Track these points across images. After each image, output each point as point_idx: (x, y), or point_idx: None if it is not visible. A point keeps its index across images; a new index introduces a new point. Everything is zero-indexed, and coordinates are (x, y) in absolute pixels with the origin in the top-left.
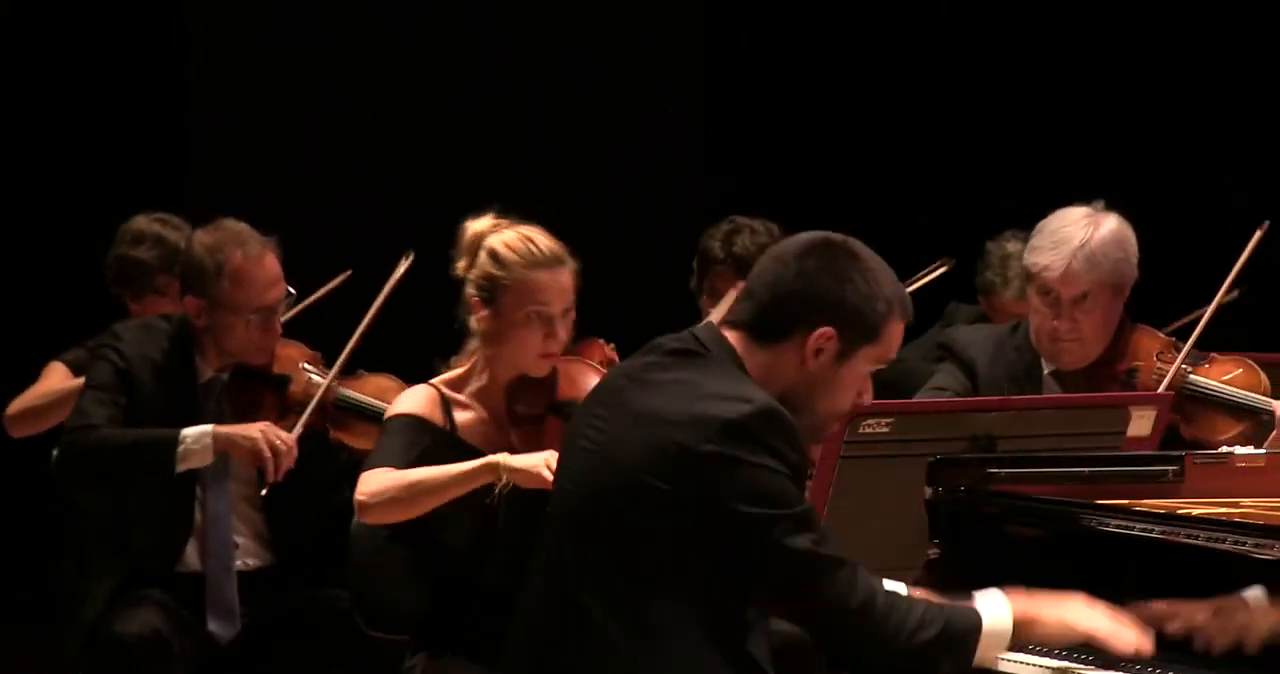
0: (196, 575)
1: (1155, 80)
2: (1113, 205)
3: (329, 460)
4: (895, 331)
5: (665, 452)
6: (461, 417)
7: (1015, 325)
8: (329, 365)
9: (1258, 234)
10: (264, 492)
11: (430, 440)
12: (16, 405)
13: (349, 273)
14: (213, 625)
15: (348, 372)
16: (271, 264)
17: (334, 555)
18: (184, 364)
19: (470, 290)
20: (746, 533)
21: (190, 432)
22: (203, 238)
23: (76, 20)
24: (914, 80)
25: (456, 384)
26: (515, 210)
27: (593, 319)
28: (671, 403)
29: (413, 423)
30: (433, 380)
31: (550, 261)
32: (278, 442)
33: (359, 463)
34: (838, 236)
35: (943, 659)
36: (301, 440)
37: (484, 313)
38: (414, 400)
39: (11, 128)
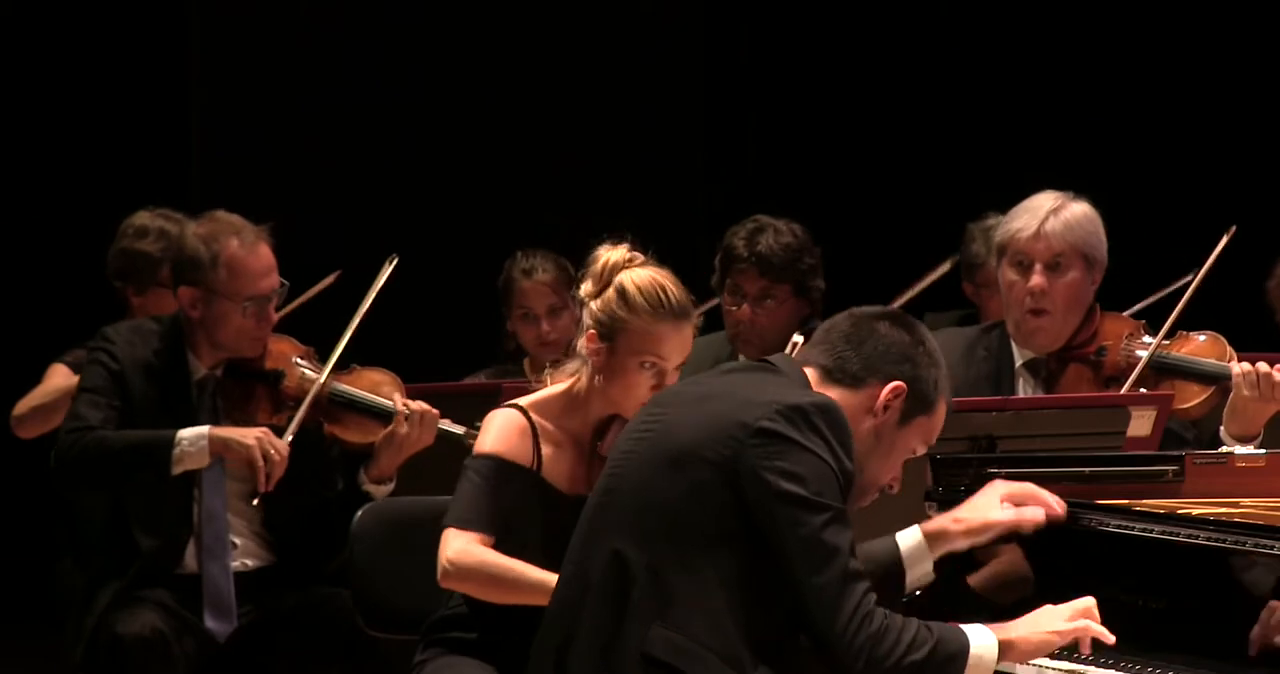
0: (195, 575)
1: (1135, 79)
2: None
3: (322, 454)
4: (942, 412)
5: (723, 428)
6: (549, 451)
7: (990, 325)
8: (321, 361)
9: (1224, 239)
10: (254, 501)
11: (515, 485)
12: (22, 406)
13: (339, 273)
14: (210, 622)
15: (341, 366)
16: (266, 253)
17: (331, 551)
18: (176, 363)
19: (589, 321)
20: (780, 510)
21: (186, 434)
22: (197, 228)
23: (77, 20)
24: (913, 81)
25: (548, 409)
26: (517, 210)
27: None
28: (738, 390)
29: (498, 468)
30: (525, 402)
31: (677, 314)
32: (272, 450)
33: (352, 455)
34: (907, 314)
35: None
36: (296, 436)
37: (598, 346)
38: (502, 434)
39: (12, 127)
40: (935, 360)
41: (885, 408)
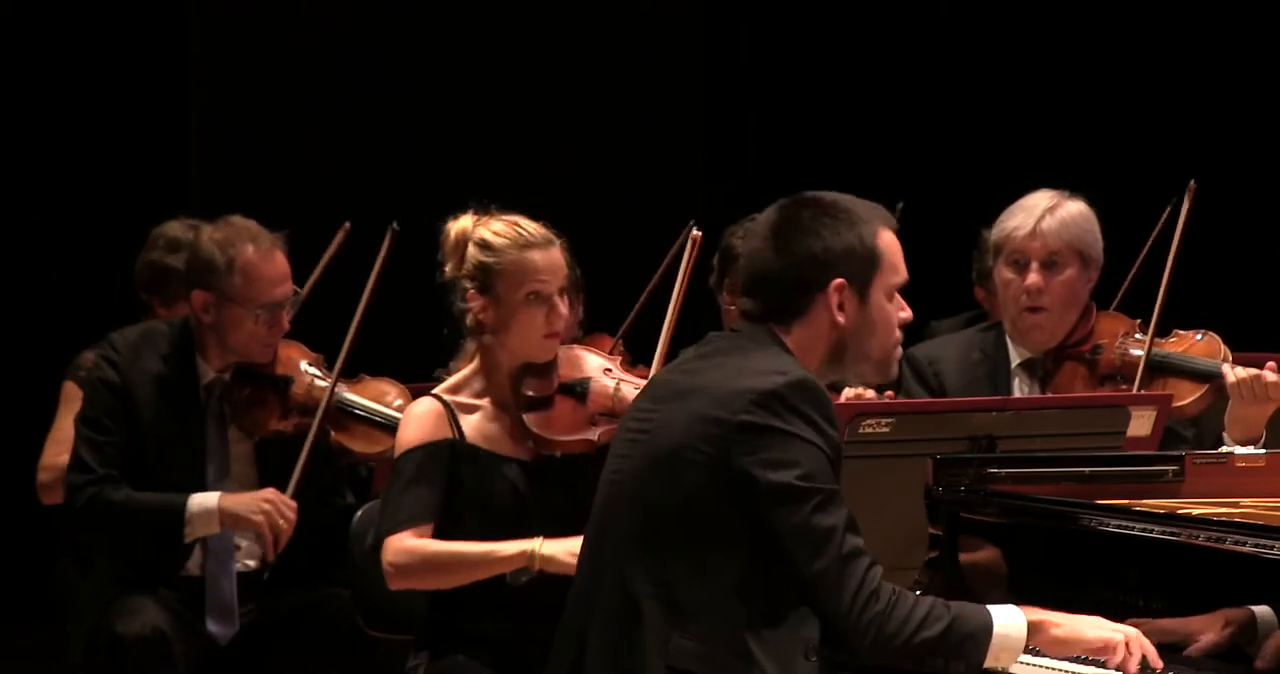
0: (196, 577)
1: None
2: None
3: (330, 464)
4: (890, 243)
5: (704, 424)
6: (469, 420)
7: (988, 326)
8: (329, 368)
9: (1187, 199)
10: (265, 576)
11: (445, 465)
12: (46, 474)
13: (348, 225)
14: (212, 626)
15: (349, 374)
16: (280, 260)
17: (334, 556)
18: (185, 367)
19: (465, 285)
20: (771, 502)
21: (195, 507)
22: (212, 233)
23: (78, 20)
24: (913, 81)
25: (458, 388)
26: (517, 210)
27: (596, 318)
28: (713, 382)
29: (423, 456)
30: (435, 390)
31: (541, 242)
32: (280, 521)
33: (359, 466)
34: (787, 199)
35: (950, 659)
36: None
37: (481, 302)
38: (418, 424)
39: (12, 128)
40: (846, 217)
41: (841, 306)
